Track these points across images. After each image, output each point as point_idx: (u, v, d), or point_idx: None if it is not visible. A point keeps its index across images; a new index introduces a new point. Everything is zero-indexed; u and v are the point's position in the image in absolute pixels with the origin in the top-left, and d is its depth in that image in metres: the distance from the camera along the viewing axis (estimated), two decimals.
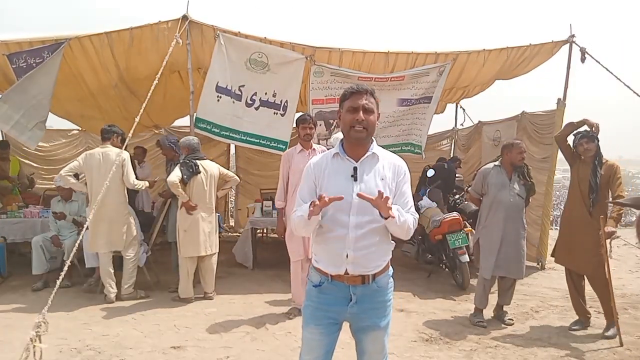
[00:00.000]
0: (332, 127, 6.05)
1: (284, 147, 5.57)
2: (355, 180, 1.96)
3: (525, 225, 4.29)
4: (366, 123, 1.95)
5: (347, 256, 1.94)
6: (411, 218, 2.01)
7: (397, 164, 2.06)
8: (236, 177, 5.26)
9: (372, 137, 2.04)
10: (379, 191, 1.84)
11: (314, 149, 4.33)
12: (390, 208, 1.86)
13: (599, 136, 3.94)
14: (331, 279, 1.99)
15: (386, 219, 1.89)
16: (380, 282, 2.02)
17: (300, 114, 4.48)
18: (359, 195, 1.88)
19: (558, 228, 4.51)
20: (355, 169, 1.97)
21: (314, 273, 2.07)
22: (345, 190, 1.94)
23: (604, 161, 3.92)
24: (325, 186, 1.98)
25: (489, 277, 4.21)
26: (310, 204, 1.88)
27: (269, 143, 5.63)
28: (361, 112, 1.94)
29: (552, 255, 4.42)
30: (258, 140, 5.62)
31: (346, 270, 1.96)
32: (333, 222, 1.97)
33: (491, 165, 4.36)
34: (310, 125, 4.26)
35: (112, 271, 4.82)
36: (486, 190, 4.26)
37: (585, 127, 4.00)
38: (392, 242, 2.07)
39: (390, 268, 2.09)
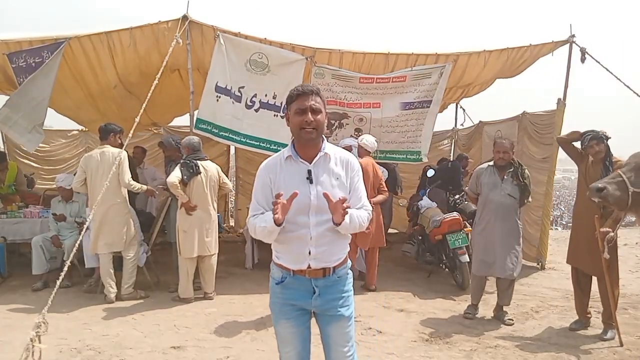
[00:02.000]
0: (334, 127, 6.06)
1: (278, 147, 5.55)
2: (311, 182, 2.00)
3: (520, 225, 4.29)
4: (315, 124, 1.97)
5: (309, 253, 2.00)
6: (365, 214, 2.10)
7: (348, 159, 2.10)
8: (230, 186, 5.30)
9: (323, 136, 2.07)
10: (340, 198, 1.92)
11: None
12: (344, 214, 1.93)
13: (608, 136, 3.88)
14: (293, 273, 2.05)
15: (337, 225, 1.96)
16: (340, 273, 2.10)
17: None
18: (324, 194, 1.93)
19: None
20: (309, 171, 2.01)
21: (276, 269, 2.11)
22: (302, 193, 1.97)
23: (614, 160, 3.83)
24: (282, 191, 1.98)
25: (477, 274, 4.33)
26: (273, 210, 1.90)
27: (269, 146, 5.56)
28: (309, 114, 1.96)
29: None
30: (258, 143, 5.55)
31: (309, 265, 2.02)
32: (294, 223, 2.00)
33: (485, 165, 4.41)
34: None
35: (112, 271, 4.81)
36: (480, 189, 4.31)
37: (592, 129, 3.95)
38: (349, 235, 2.14)
39: (349, 261, 2.16)
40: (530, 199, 4.47)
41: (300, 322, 2.09)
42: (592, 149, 3.89)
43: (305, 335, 2.12)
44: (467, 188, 4.60)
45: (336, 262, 2.07)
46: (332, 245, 2.04)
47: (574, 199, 4.37)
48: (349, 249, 2.16)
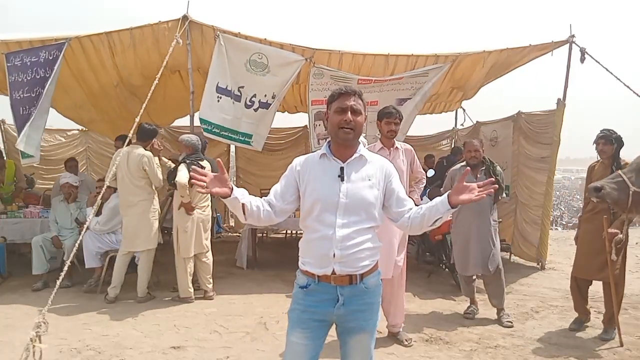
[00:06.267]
0: None
1: (250, 140, 5.57)
2: (342, 180, 1.95)
3: (494, 222, 4.32)
4: (354, 124, 1.95)
5: (334, 255, 1.92)
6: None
7: (383, 164, 2.06)
8: None
9: (359, 140, 2.03)
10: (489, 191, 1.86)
11: (396, 147, 3.79)
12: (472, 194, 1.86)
13: (621, 140, 3.84)
14: (318, 280, 1.96)
15: (455, 207, 1.90)
16: (368, 283, 1.99)
17: (384, 108, 3.78)
18: (465, 172, 1.90)
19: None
20: (342, 169, 1.96)
21: (301, 276, 2.03)
22: (332, 189, 1.94)
23: (622, 163, 3.76)
24: (311, 187, 1.97)
25: (463, 274, 4.41)
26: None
27: (245, 139, 5.57)
28: (349, 113, 1.94)
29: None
30: (243, 138, 5.58)
31: (333, 270, 1.93)
32: (319, 222, 1.95)
33: (458, 165, 4.48)
34: (395, 121, 3.66)
35: (124, 272, 4.82)
36: None
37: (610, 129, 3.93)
38: (380, 242, 2.05)
39: (379, 269, 2.06)
40: (504, 195, 4.49)
41: (315, 335, 1.99)
42: (597, 146, 3.91)
43: (316, 350, 2.01)
44: (442, 189, 4.63)
45: (364, 270, 1.96)
46: (359, 249, 1.93)
47: (574, 199, 4.35)
48: (379, 256, 2.04)
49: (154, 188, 4.86)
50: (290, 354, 2.01)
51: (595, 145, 3.93)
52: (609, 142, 3.84)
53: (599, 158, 3.99)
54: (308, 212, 1.98)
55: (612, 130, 3.89)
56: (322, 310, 1.98)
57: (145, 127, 4.84)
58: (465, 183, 1.88)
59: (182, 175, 4.58)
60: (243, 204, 1.93)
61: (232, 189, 1.90)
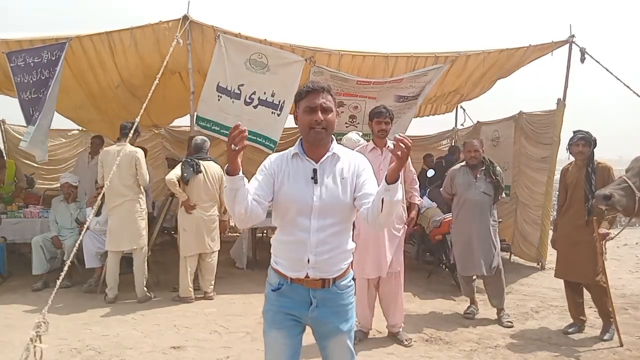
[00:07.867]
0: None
1: (273, 146, 5.60)
2: (316, 182, 1.89)
3: (494, 222, 4.32)
4: (325, 123, 1.87)
5: (308, 261, 1.88)
6: None
7: (357, 162, 1.98)
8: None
9: (332, 136, 1.97)
10: (402, 140, 1.68)
11: (389, 147, 4.02)
12: (400, 162, 1.69)
13: (597, 141, 3.86)
14: (290, 281, 1.93)
15: (393, 183, 1.72)
16: (341, 285, 1.96)
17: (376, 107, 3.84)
18: (395, 138, 1.70)
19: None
20: (315, 170, 1.90)
21: (273, 275, 1.99)
22: (305, 193, 1.88)
23: (596, 164, 3.83)
24: (285, 188, 1.91)
25: (464, 275, 4.40)
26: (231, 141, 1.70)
27: (264, 141, 5.62)
28: (319, 112, 1.86)
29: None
30: (255, 138, 5.61)
31: (307, 274, 1.90)
32: (293, 225, 1.90)
33: (458, 166, 4.48)
34: (386, 120, 3.71)
35: (118, 272, 4.82)
36: (455, 190, 4.36)
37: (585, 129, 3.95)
38: (353, 243, 2.01)
39: (351, 271, 2.03)
40: (504, 195, 4.49)
41: (292, 334, 1.96)
42: (576, 147, 3.88)
43: (296, 348, 1.98)
44: (442, 189, 4.63)
45: (337, 274, 1.93)
46: (334, 253, 1.90)
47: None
48: (351, 258, 2.01)
49: (142, 188, 4.85)
50: (271, 353, 1.99)
51: (572, 146, 3.91)
52: (588, 143, 3.84)
53: (570, 158, 4.00)
54: (282, 213, 1.94)
55: (589, 132, 3.90)
56: (296, 312, 1.95)
57: (128, 124, 4.71)
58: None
59: (171, 173, 4.65)
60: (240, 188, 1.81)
61: (240, 168, 1.78)
